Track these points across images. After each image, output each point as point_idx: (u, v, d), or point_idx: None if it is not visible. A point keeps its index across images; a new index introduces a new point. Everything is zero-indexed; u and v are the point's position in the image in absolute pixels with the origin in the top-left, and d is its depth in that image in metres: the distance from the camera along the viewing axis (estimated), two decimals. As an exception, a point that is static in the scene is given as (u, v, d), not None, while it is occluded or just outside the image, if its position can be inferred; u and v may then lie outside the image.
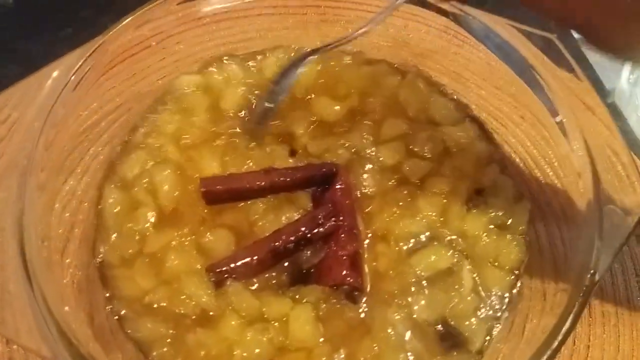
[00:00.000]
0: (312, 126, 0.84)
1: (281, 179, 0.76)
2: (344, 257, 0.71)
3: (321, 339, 0.68)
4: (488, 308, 0.72)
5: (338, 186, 0.76)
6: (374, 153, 0.81)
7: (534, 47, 0.78)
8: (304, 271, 0.72)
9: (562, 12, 0.56)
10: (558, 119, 0.75)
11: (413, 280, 0.72)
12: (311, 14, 0.92)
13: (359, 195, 0.78)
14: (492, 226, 0.76)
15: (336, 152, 0.81)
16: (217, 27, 0.90)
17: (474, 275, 0.73)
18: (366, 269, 0.73)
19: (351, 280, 0.70)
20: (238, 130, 0.83)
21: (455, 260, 0.73)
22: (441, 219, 0.76)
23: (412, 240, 0.74)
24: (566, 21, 0.57)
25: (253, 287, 0.70)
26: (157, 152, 0.80)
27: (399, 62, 0.91)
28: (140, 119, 0.84)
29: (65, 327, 0.57)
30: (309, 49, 0.82)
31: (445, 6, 0.82)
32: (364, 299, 0.71)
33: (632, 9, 0.51)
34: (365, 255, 0.74)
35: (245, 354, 0.66)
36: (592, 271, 0.62)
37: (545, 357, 0.58)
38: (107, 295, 0.71)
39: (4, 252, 0.61)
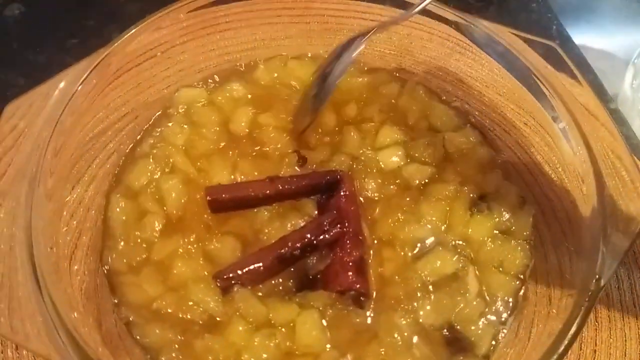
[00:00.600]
0: (315, 134, 0.85)
1: (286, 186, 0.77)
2: (350, 263, 0.71)
3: (328, 344, 0.68)
4: (494, 313, 0.72)
5: (342, 193, 0.76)
6: (376, 159, 0.82)
7: (536, 54, 0.79)
8: (310, 277, 0.73)
9: None
10: (561, 125, 0.75)
11: (419, 285, 0.72)
12: (314, 22, 0.93)
13: (362, 202, 0.79)
14: (496, 231, 0.77)
15: (339, 160, 0.81)
16: (220, 36, 0.91)
17: (479, 280, 0.73)
18: (372, 275, 0.73)
19: (357, 286, 0.70)
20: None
21: (461, 265, 0.73)
22: (445, 224, 0.77)
23: (418, 246, 0.75)
24: None
25: (260, 293, 0.71)
26: (164, 162, 0.81)
27: (401, 69, 0.92)
28: (146, 129, 0.85)
29: (74, 333, 0.58)
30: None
31: (448, 15, 0.83)
32: (370, 304, 0.71)
33: None
34: (371, 261, 0.74)
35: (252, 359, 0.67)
36: (597, 276, 0.62)
37: (551, 361, 0.58)
38: (115, 301, 0.72)
39: (13, 259, 0.61)
